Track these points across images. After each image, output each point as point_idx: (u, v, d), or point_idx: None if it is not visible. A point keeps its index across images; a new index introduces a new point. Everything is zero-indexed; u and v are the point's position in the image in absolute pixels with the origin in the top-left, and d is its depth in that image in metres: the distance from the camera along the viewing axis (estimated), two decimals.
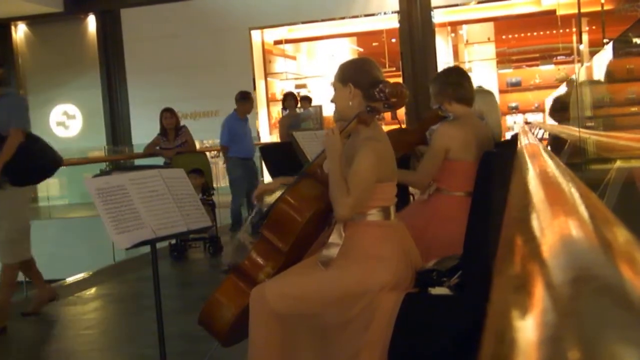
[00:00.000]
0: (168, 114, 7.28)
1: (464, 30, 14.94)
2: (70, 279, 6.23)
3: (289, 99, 9.19)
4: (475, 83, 13.66)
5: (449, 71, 3.38)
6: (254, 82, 13.10)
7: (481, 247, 2.20)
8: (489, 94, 4.28)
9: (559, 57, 14.52)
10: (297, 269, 2.48)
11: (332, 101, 2.59)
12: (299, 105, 9.40)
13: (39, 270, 4.89)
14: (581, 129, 4.94)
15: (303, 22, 13.69)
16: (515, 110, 14.91)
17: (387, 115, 5.68)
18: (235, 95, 8.02)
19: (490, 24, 14.50)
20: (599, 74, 4.69)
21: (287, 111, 9.14)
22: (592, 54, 10.40)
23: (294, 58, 15.64)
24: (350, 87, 2.47)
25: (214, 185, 7.47)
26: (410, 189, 3.98)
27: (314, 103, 11.41)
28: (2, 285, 4.51)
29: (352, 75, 2.49)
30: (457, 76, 3.26)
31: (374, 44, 15.53)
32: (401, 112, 12.43)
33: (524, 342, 0.50)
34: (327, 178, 2.45)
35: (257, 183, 7.82)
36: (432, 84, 3.28)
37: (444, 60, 13.77)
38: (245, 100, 7.90)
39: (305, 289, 2.35)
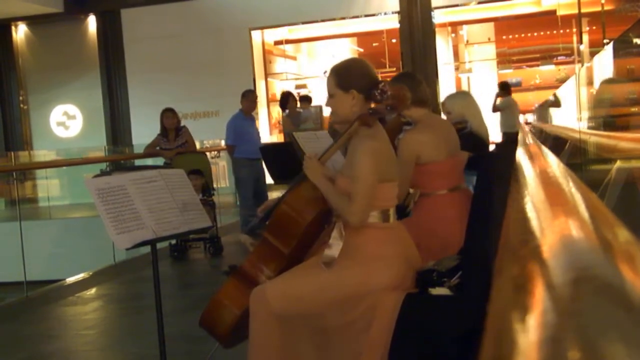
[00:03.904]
0: (170, 114, 7.26)
1: (464, 30, 14.94)
2: (70, 279, 6.23)
3: (289, 99, 8.96)
4: (475, 83, 13.64)
5: (400, 78, 3.34)
6: (254, 83, 13.10)
7: (481, 247, 2.20)
8: (467, 95, 4.30)
9: (559, 58, 14.52)
10: (298, 270, 2.47)
11: (329, 106, 2.51)
12: (298, 105, 9.21)
13: None
14: (581, 129, 4.94)
15: (303, 23, 13.70)
16: None
17: None
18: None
19: (491, 24, 14.51)
20: (599, 74, 4.69)
21: (287, 111, 8.98)
22: (593, 54, 10.40)
23: (294, 58, 15.64)
24: (354, 93, 2.41)
25: (214, 185, 7.46)
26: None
27: (314, 103, 11.35)
28: None
29: (354, 81, 2.42)
30: (410, 81, 3.23)
31: (374, 44, 15.53)
32: None
33: (524, 342, 0.50)
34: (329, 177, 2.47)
35: (264, 185, 7.73)
36: None
37: (444, 60, 13.77)
38: (244, 97, 7.68)
39: (306, 290, 2.35)
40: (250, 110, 7.75)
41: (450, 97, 4.35)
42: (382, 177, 2.39)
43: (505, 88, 10.34)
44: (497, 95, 10.34)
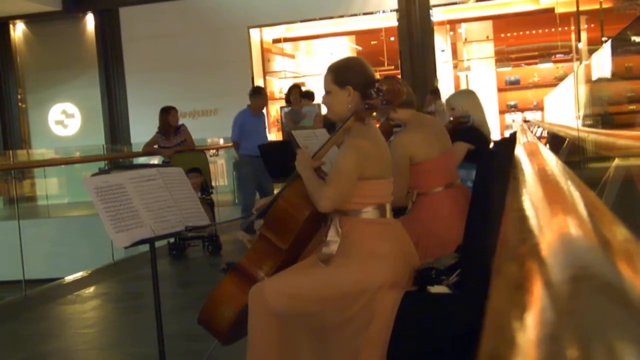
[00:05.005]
0: (174, 111, 7.28)
1: (463, 28, 14.94)
2: (69, 278, 6.23)
3: (294, 93, 8.69)
4: (474, 81, 13.69)
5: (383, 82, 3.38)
6: (252, 81, 13.08)
7: (480, 245, 2.20)
8: (470, 93, 4.38)
9: (557, 55, 14.54)
10: (296, 268, 2.48)
11: (325, 102, 2.54)
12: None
13: None
14: (579, 127, 4.95)
15: (302, 21, 13.69)
16: (514, 108, 14.93)
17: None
18: (247, 91, 7.74)
19: (489, 22, 14.51)
20: (598, 72, 4.69)
21: (290, 107, 8.75)
22: (591, 52, 10.40)
23: (292, 56, 15.64)
24: (350, 90, 2.44)
25: (213, 183, 7.45)
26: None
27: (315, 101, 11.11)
28: None
29: (350, 78, 2.45)
30: None
31: (372, 42, 15.52)
32: None
33: (523, 340, 0.50)
34: (325, 174, 2.47)
35: (268, 182, 7.68)
36: None
37: (442, 58, 13.77)
38: (258, 95, 7.58)
39: (303, 288, 2.35)
40: (259, 108, 7.68)
41: (455, 95, 4.44)
42: (369, 174, 2.40)
43: (435, 93, 10.84)
44: (430, 100, 10.55)
